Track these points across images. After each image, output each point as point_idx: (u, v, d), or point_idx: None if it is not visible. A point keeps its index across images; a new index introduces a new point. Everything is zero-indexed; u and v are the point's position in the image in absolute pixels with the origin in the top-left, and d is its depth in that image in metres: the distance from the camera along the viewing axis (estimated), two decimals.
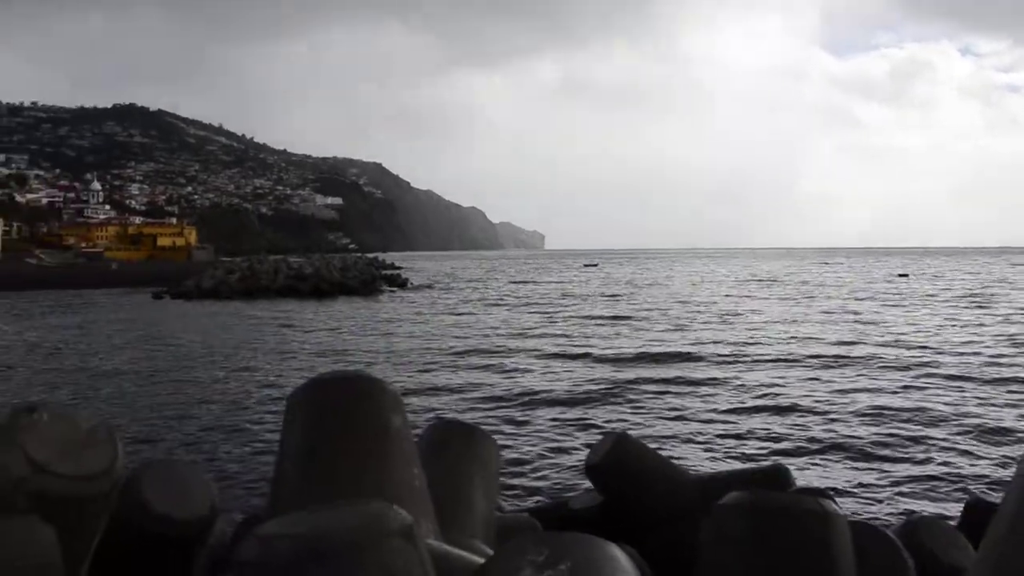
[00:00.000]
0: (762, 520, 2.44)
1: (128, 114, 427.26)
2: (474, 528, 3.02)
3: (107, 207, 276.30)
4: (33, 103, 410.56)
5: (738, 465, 10.12)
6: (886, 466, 10.42)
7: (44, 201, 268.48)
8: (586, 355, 21.41)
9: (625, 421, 13.32)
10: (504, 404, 14.87)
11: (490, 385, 16.83)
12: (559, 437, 12.26)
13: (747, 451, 11.40)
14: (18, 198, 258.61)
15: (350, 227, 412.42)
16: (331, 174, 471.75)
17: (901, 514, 8.27)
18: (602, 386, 16.66)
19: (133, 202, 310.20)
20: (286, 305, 40.83)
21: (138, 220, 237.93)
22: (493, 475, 3.38)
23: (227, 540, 3.37)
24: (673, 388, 16.34)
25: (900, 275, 78.61)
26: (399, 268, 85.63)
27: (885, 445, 11.57)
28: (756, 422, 13.21)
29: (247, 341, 25.25)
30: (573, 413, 14.03)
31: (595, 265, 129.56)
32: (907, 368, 18.74)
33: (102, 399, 15.55)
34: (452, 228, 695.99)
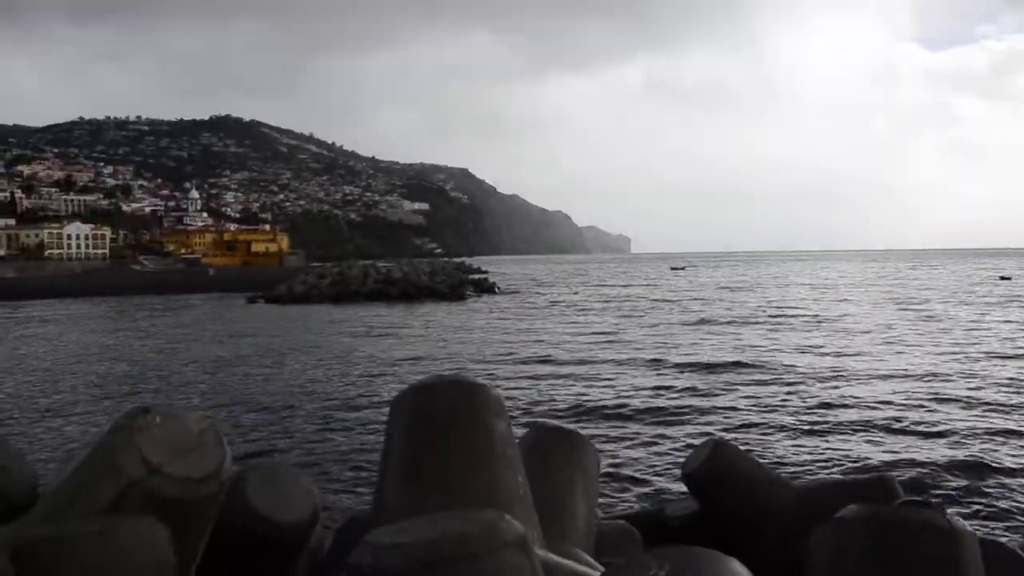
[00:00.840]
0: (887, 536, 2.31)
1: (224, 125, 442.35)
2: (576, 536, 2.96)
3: (204, 215, 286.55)
4: (137, 117, 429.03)
5: (836, 475, 9.77)
6: (1004, 479, 9.86)
7: (147, 210, 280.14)
8: (675, 360, 21.07)
9: (716, 428, 13.03)
10: (594, 409, 14.73)
11: (579, 390, 16.70)
12: (651, 443, 12.07)
13: (843, 460, 11.00)
14: (124, 207, 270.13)
15: (437, 232, 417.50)
16: (418, 180, 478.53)
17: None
18: (692, 392, 16.36)
19: (228, 209, 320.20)
20: (375, 309, 41.45)
21: (233, 227, 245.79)
22: (593, 481, 3.30)
23: (328, 543, 3.39)
24: (764, 395, 15.92)
25: (1002, 278, 74.93)
26: (485, 272, 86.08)
27: (993, 457, 11.00)
28: (852, 432, 12.74)
29: (340, 345, 25.68)
30: (664, 419, 13.80)
31: (683, 268, 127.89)
32: (1013, 379, 17.78)
33: (202, 400, 15.96)
34: (538, 232, 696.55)
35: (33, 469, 3.00)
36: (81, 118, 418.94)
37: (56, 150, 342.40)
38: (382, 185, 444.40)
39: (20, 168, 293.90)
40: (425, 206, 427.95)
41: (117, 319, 39.45)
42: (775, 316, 34.50)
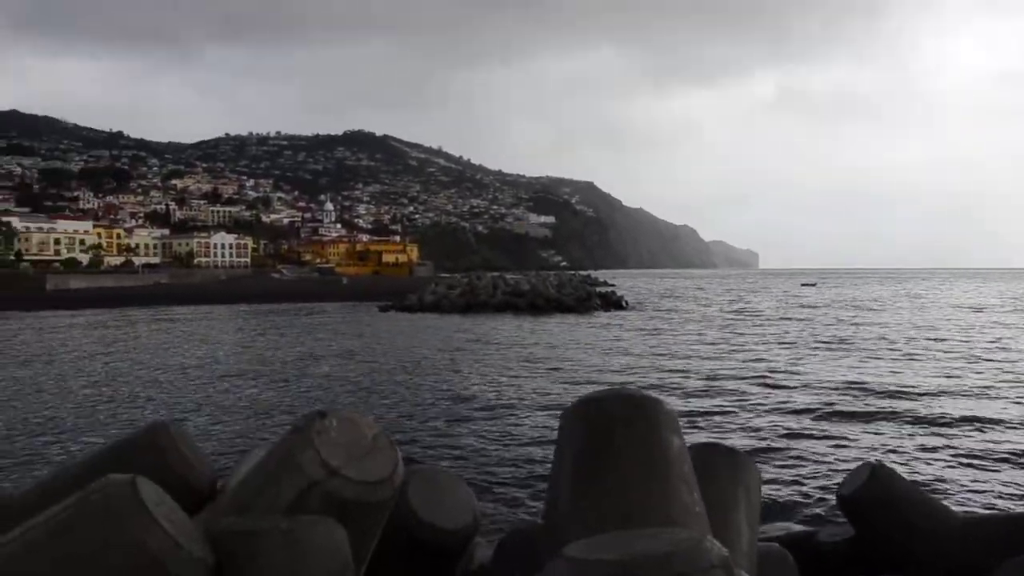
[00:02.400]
0: None
1: (357, 140, 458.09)
2: (741, 560, 2.84)
3: (338, 226, 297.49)
4: (277, 133, 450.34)
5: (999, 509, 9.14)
6: None
7: (285, 221, 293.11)
8: (813, 380, 20.29)
9: (863, 452, 12.45)
10: (731, 428, 14.36)
11: (718, 408, 16.32)
12: (796, 464, 11.64)
13: (1002, 494, 10.27)
14: (264, 218, 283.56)
15: (562, 245, 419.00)
16: (544, 193, 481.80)
17: None
18: (834, 414, 15.68)
19: (361, 221, 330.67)
20: (504, 320, 41.85)
21: (365, 238, 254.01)
22: (756, 502, 3.18)
23: (479, 553, 3.38)
24: (911, 419, 15.10)
25: None
26: (612, 286, 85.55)
27: None
28: (1013, 465, 11.88)
29: (475, 353, 25.96)
30: (808, 440, 13.28)
31: (814, 284, 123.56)
32: None
33: (346, 403, 16.36)
34: (664, 247, 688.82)
35: (211, 462, 3.13)
36: (227, 134, 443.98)
37: (205, 165, 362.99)
38: (508, 198, 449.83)
39: (174, 182, 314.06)
40: (551, 219, 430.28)
41: (260, 324, 41.29)
42: (918, 339, 32.78)
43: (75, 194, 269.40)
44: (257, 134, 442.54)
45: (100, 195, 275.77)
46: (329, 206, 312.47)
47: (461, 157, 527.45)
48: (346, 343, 29.71)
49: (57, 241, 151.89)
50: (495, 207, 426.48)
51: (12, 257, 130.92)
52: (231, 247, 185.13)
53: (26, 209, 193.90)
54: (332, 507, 2.21)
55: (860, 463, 3.99)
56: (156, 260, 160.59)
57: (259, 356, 25.45)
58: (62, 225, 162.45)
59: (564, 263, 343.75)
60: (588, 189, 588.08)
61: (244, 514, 2.27)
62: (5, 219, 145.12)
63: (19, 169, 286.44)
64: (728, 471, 3.02)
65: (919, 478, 10.66)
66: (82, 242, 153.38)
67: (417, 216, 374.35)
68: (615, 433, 2.33)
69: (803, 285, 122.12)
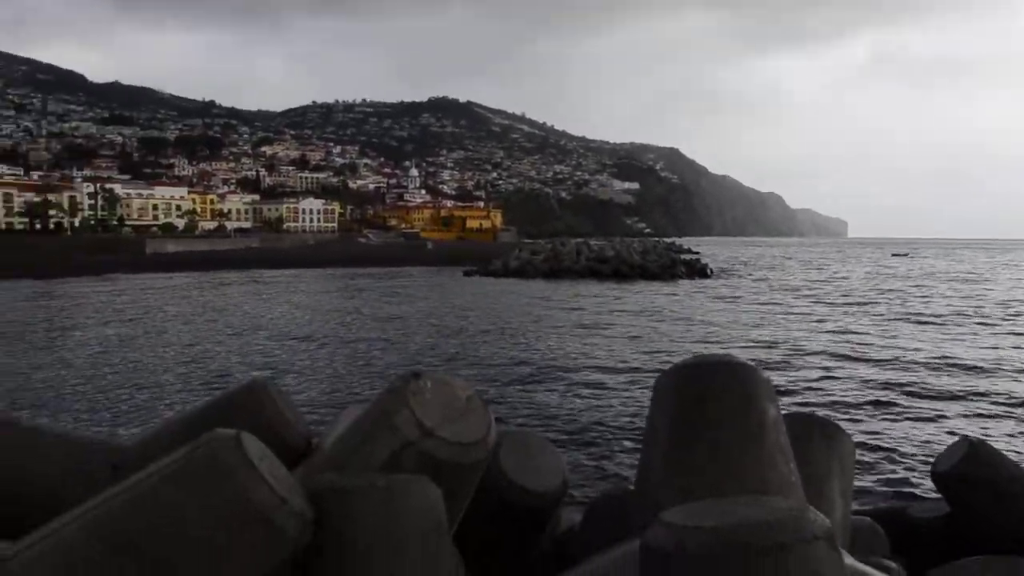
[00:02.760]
0: None
1: (441, 106, 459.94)
2: (834, 531, 2.79)
3: (423, 192, 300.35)
4: (363, 100, 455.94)
5: None
6: None
7: (371, 186, 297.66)
8: (907, 355, 19.62)
9: (957, 428, 12.04)
10: (822, 401, 14.05)
11: (805, 380, 15.97)
12: (890, 439, 11.33)
13: None
14: (350, 184, 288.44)
15: (646, 211, 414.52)
16: (628, 159, 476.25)
17: None
18: (927, 390, 15.17)
19: (445, 187, 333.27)
20: (589, 286, 41.71)
21: (449, 203, 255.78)
22: (850, 476, 3.11)
23: (566, 516, 3.40)
24: (1009, 400, 14.46)
25: None
26: (696, 253, 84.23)
27: None
28: None
29: (561, 318, 25.84)
30: (899, 415, 12.90)
31: (906, 255, 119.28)
32: None
33: (435, 363, 16.51)
34: (749, 214, 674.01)
35: (306, 420, 3.21)
36: (314, 102, 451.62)
37: (293, 132, 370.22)
38: (592, 164, 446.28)
39: (263, 149, 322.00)
40: (635, 186, 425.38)
41: (347, 287, 42.12)
42: (1020, 313, 31.34)
43: (171, 161, 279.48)
44: (343, 101, 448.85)
45: (194, 162, 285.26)
46: (414, 172, 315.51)
47: (544, 123, 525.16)
48: (431, 306, 30.09)
49: (155, 207, 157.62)
50: (579, 173, 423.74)
51: (115, 222, 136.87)
52: (319, 212, 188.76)
53: (127, 176, 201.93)
54: (426, 467, 2.25)
55: (956, 439, 3.85)
56: (247, 225, 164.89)
57: (346, 318, 25.97)
58: (160, 191, 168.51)
59: (648, 230, 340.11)
60: (673, 155, 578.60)
61: (340, 472, 2.33)
62: (108, 186, 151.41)
63: (120, 138, 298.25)
64: (822, 442, 2.96)
65: (1016, 458, 10.25)
66: (178, 207, 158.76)
67: (501, 182, 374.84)
68: (710, 400, 2.29)
69: (894, 255, 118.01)
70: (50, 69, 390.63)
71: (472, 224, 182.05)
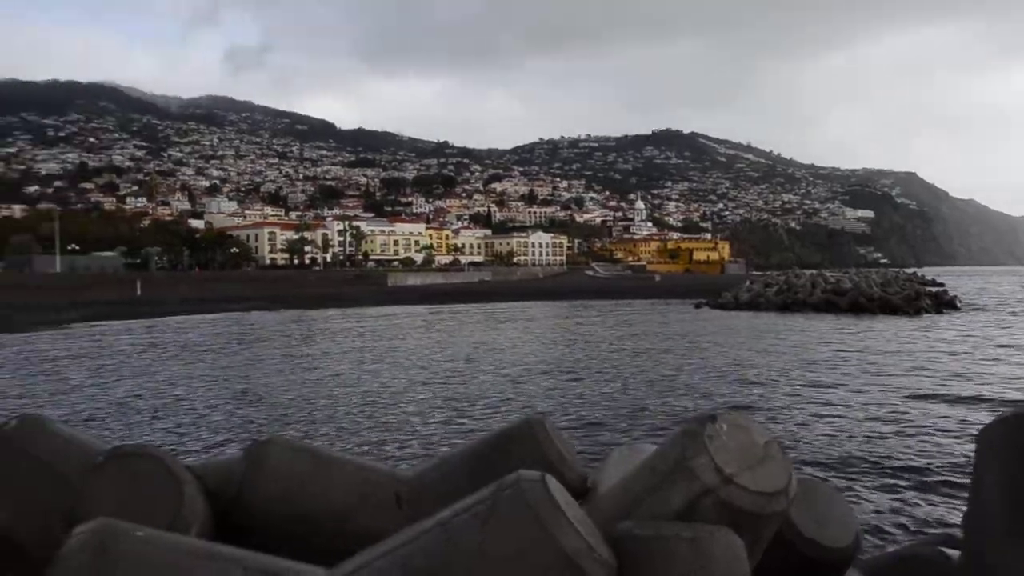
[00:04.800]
0: None
1: (665, 138, 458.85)
2: None
3: (649, 224, 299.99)
4: (587, 135, 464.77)
5: None
6: None
7: (597, 220, 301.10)
8: None
9: None
10: None
11: None
12: None
13: None
14: (577, 218, 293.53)
15: (881, 240, 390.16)
16: (861, 186, 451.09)
17: None
18: None
19: (671, 219, 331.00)
20: (824, 320, 39.54)
21: (675, 236, 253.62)
22: None
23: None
24: None
25: None
26: (940, 284, 77.51)
27: None
28: None
29: (800, 353, 24.56)
30: None
31: None
32: None
33: (686, 402, 16.01)
34: (1000, 240, 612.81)
35: (577, 458, 3.16)
36: (540, 139, 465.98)
37: (521, 168, 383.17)
38: (822, 192, 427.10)
39: (494, 185, 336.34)
40: (869, 213, 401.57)
41: (577, 319, 42.61)
42: None
43: (409, 199, 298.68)
44: (568, 137, 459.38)
45: (430, 200, 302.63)
46: (640, 204, 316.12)
47: (771, 152, 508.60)
48: (664, 341, 29.66)
49: (396, 242, 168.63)
50: (808, 202, 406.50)
51: (360, 256, 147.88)
52: (547, 246, 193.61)
53: (370, 215, 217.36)
54: (724, 516, 2.11)
55: None
56: (479, 259, 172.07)
57: (589, 351, 26.08)
58: (400, 228, 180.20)
59: (884, 260, 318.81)
60: (910, 180, 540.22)
61: (631, 516, 2.24)
62: (355, 223, 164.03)
63: (364, 179, 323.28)
64: None
65: None
66: (416, 243, 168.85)
67: (727, 213, 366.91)
68: None
69: None
70: (306, 120, 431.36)
71: (699, 256, 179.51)
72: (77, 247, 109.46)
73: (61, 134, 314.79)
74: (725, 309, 50.02)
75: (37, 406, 15.85)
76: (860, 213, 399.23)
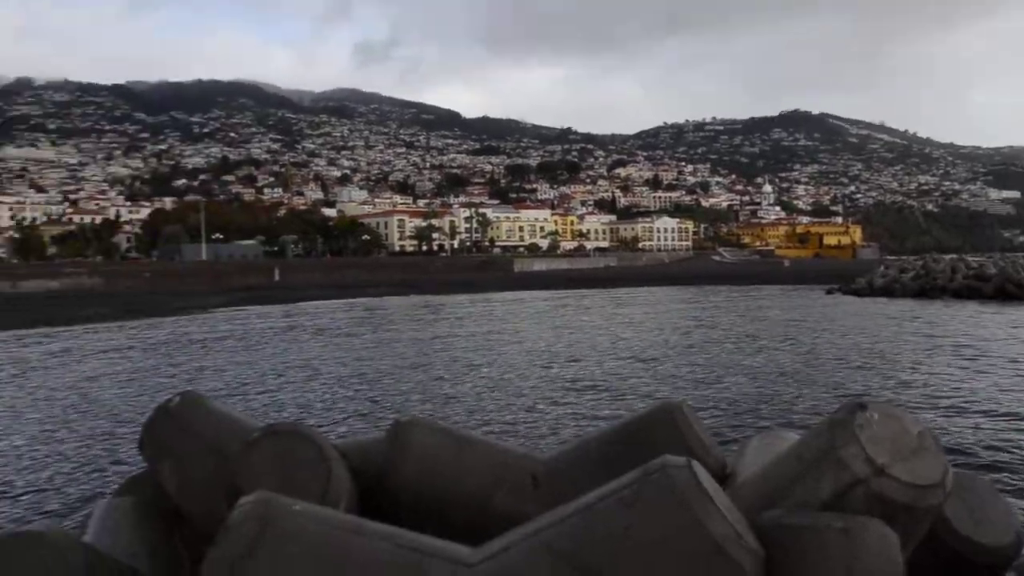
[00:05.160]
0: None
1: (793, 120, 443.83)
2: None
3: (777, 208, 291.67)
4: (713, 118, 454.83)
5: None
6: None
7: (723, 204, 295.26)
8: None
9: None
10: None
11: None
12: None
13: None
14: (703, 202, 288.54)
15: None
16: (1005, 165, 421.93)
17: None
18: None
19: (799, 203, 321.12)
20: (966, 307, 37.28)
21: (804, 220, 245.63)
22: None
23: None
24: None
25: None
26: None
27: None
28: None
29: (941, 341, 23.17)
30: None
31: None
32: None
33: (823, 393, 15.40)
34: None
35: (717, 445, 3.12)
36: (665, 123, 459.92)
37: (645, 153, 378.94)
38: (963, 173, 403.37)
39: (618, 171, 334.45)
40: (1015, 194, 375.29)
41: (704, 304, 41.86)
42: None
43: (534, 186, 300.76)
44: (693, 121, 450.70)
45: (554, 186, 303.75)
46: (767, 188, 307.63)
47: (906, 131, 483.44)
48: (794, 327, 28.72)
49: (521, 228, 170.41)
50: (946, 183, 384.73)
51: (487, 243, 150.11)
52: (672, 231, 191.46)
53: (496, 201, 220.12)
54: (874, 509, 2.06)
55: None
56: (605, 244, 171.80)
57: (706, 336, 25.64)
58: (525, 214, 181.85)
59: None
60: None
61: (775, 505, 2.20)
62: (481, 211, 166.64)
63: (489, 167, 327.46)
64: None
65: None
66: (541, 229, 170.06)
67: (859, 196, 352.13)
68: None
69: None
70: (432, 110, 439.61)
71: (830, 240, 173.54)
72: (221, 236, 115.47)
73: (205, 130, 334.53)
74: (858, 295, 48.03)
75: (187, 382, 16.88)
76: (1005, 194, 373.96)
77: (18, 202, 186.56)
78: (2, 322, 34.62)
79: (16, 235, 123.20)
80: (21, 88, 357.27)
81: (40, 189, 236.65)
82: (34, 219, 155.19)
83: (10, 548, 2.40)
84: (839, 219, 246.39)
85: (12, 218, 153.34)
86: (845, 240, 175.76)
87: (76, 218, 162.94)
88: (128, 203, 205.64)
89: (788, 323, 30.29)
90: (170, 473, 3.18)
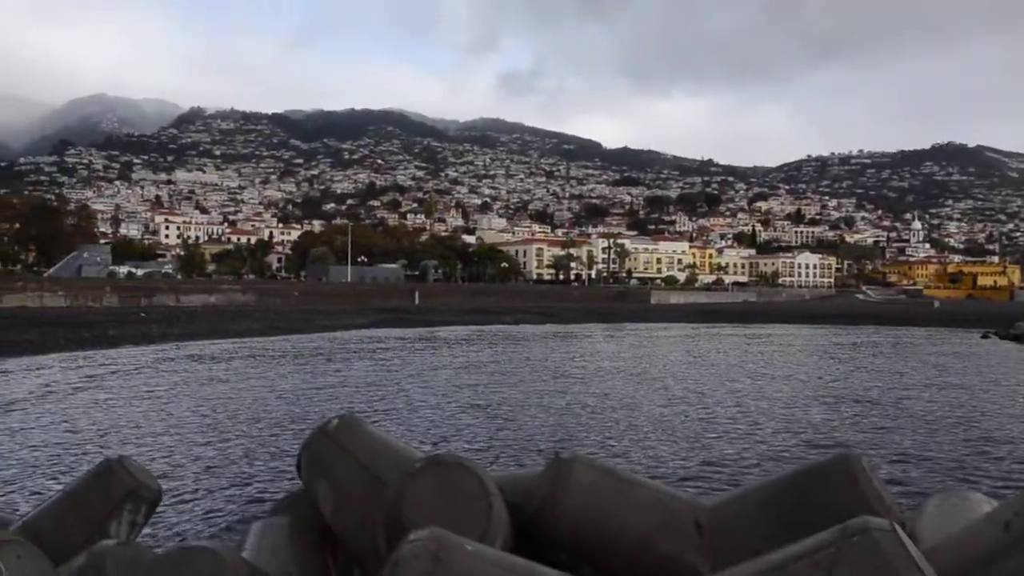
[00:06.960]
0: None
1: (946, 153, 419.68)
2: None
3: (926, 245, 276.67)
4: (859, 151, 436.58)
5: None
6: None
7: (869, 240, 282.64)
8: None
9: None
10: None
11: None
12: None
13: None
14: (847, 238, 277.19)
15: None
16: None
17: None
18: None
19: (951, 240, 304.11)
20: None
21: (957, 258, 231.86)
22: None
23: None
24: None
25: None
26: None
27: None
28: None
29: None
30: None
31: None
32: None
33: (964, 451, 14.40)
34: None
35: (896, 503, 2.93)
36: (808, 156, 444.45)
37: (787, 187, 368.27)
38: None
39: (759, 204, 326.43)
40: None
41: (843, 345, 40.08)
42: None
43: (672, 218, 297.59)
44: (839, 154, 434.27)
45: (693, 218, 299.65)
46: (916, 224, 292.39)
47: None
48: (951, 375, 27.01)
49: (659, 260, 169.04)
50: None
51: (623, 273, 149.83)
52: (814, 267, 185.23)
53: (634, 232, 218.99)
54: None
55: None
56: (743, 279, 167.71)
57: (855, 380, 24.43)
58: (663, 246, 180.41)
59: None
60: None
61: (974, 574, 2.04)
62: (619, 241, 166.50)
63: (629, 197, 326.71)
64: None
65: None
66: (679, 261, 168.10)
67: (1018, 234, 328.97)
68: None
69: None
70: (573, 140, 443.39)
71: (984, 281, 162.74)
72: (365, 259, 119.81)
73: (355, 157, 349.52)
74: (1019, 341, 44.65)
75: (328, 399, 17.45)
76: None
77: (184, 222, 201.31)
78: (165, 333, 37.01)
79: (182, 252, 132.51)
80: (194, 117, 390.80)
81: (204, 210, 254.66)
82: (197, 238, 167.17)
83: (181, 561, 2.51)
84: (995, 258, 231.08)
85: (179, 237, 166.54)
86: (1002, 281, 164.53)
87: (234, 238, 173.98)
88: (280, 225, 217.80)
89: (944, 370, 28.49)
90: (326, 494, 3.25)
